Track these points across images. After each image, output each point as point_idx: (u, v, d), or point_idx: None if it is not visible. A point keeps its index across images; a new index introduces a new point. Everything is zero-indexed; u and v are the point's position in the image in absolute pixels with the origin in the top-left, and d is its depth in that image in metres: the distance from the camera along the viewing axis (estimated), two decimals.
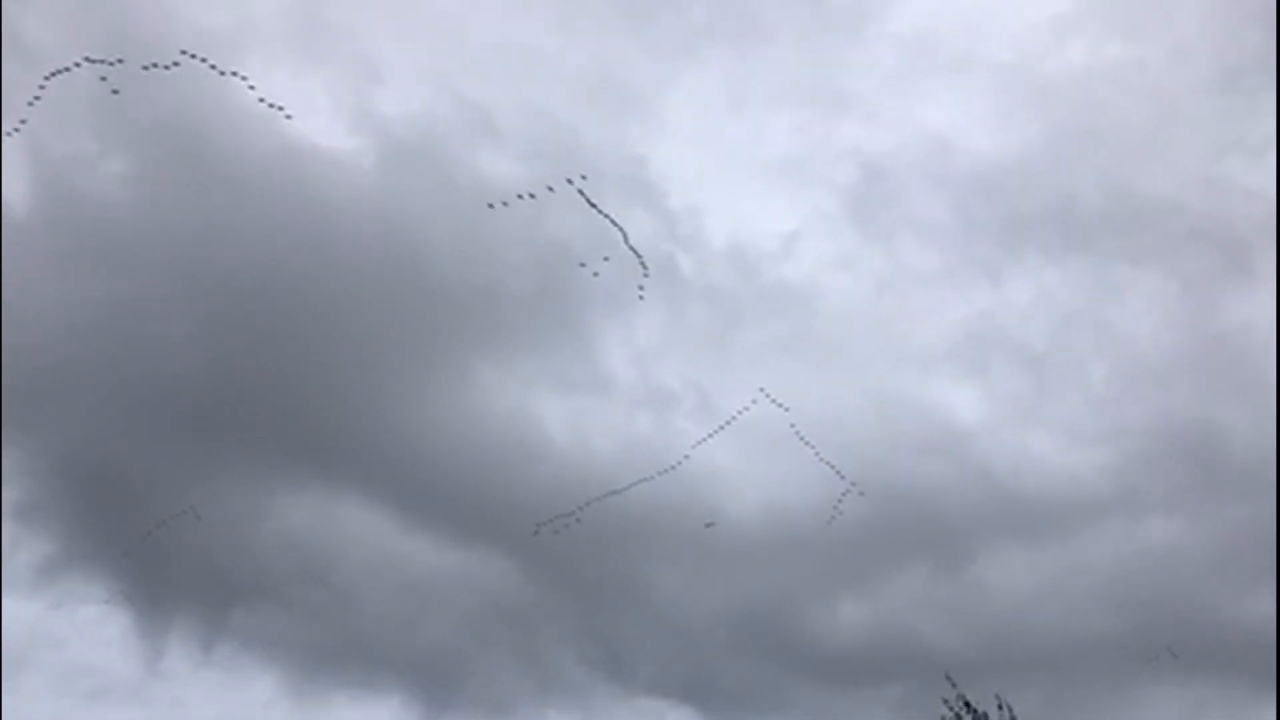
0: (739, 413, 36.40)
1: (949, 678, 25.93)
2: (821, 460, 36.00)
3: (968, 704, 25.81)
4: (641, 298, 32.02)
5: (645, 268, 31.47)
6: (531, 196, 29.98)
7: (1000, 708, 25.71)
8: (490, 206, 31.02)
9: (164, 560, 48.10)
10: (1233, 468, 50.34)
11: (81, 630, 51.12)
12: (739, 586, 53.18)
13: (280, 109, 31.15)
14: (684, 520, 53.99)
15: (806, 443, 36.20)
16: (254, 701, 48.08)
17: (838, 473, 35.64)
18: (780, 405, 35.82)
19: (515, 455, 52.93)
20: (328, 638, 50.04)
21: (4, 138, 37.92)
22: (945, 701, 25.98)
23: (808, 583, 53.66)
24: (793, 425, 36.50)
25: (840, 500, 36.36)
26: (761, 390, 35.75)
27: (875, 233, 66.82)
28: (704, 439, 37.05)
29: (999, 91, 68.72)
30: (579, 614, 52.71)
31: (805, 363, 64.54)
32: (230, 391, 48.62)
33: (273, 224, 50.89)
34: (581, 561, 52.08)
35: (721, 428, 36.72)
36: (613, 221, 29.60)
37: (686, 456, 37.17)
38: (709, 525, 39.84)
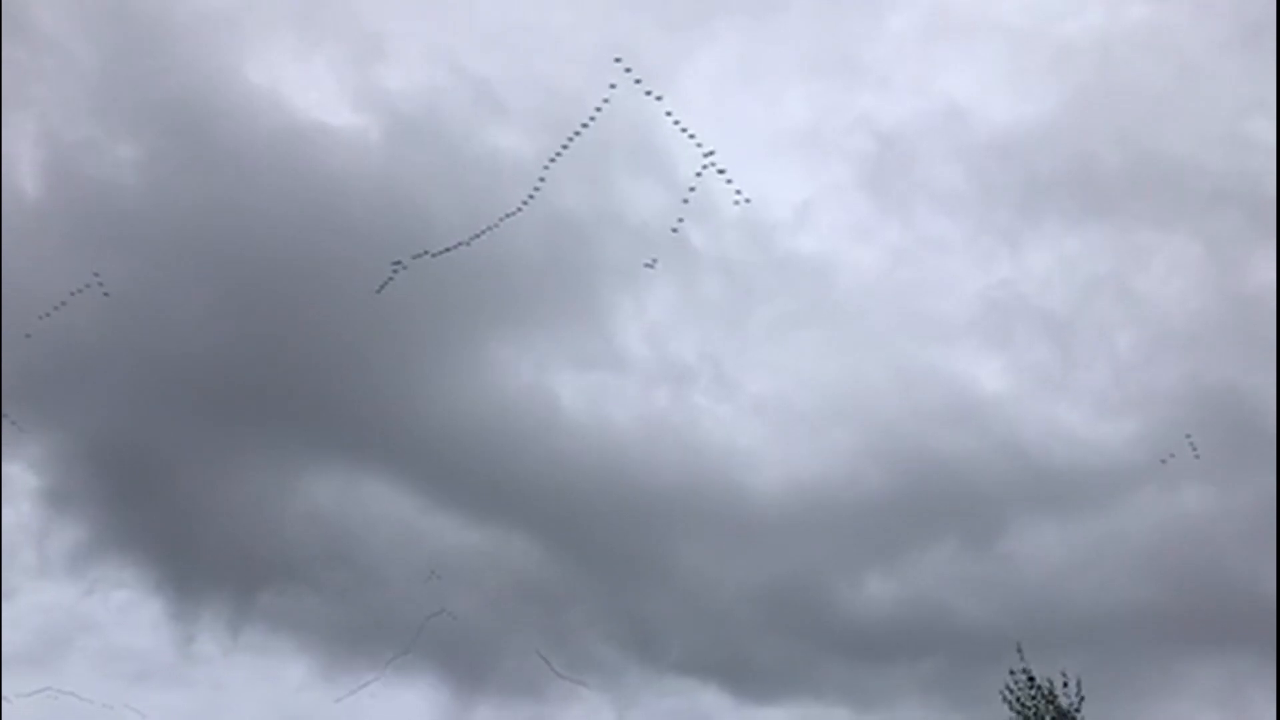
0: (599, 108, 33.80)
1: (1019, 649, 24.87)
2: (691, 141, 33.45)
3: (1031, 678, 24.76)
4: None
5: None
6: None
7: (1066, 684, 24.67)
8: None
9: (192, 544, 47.88)
10: (1269, 433, 49.09)
11: (115, 615, 51.35)
12: (766, 563, 52.29)
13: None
14: (708, 497, 53.17)
15: (676, 122, 33.84)
16: (288, 685, 47.81)
17: (700, 149, 33.18)
18: (648, 91, 33.29)
19: (533, 433, 52.17)
20: (356, 619, 49.60)
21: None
22: (1010, 672, 24.95)
23: (835, 558, 52.80)
24: (668, 113, 33.95)
25: (699, 175, 33.62)
26: (618, 62, 33.17)
27: (891, 202, 65.47)
28: (559, 152, 34.38)
29: (1015, 55, 67.26)
30: (606, 592, 52.01)
31: (823, 334, 63.42)
32: (249, 373, 48.41)
33: (282, 203, 50.19)
34: (607, 539, 51.29)
35: (580, 130, 33.92)
36: None
37: (537, 189, 34.75)
38: (649, 264, 37.19)
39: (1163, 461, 38.75)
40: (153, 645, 49.74)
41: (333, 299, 49.00)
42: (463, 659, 48.60)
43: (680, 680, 49.72)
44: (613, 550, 51.71)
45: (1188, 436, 37.18)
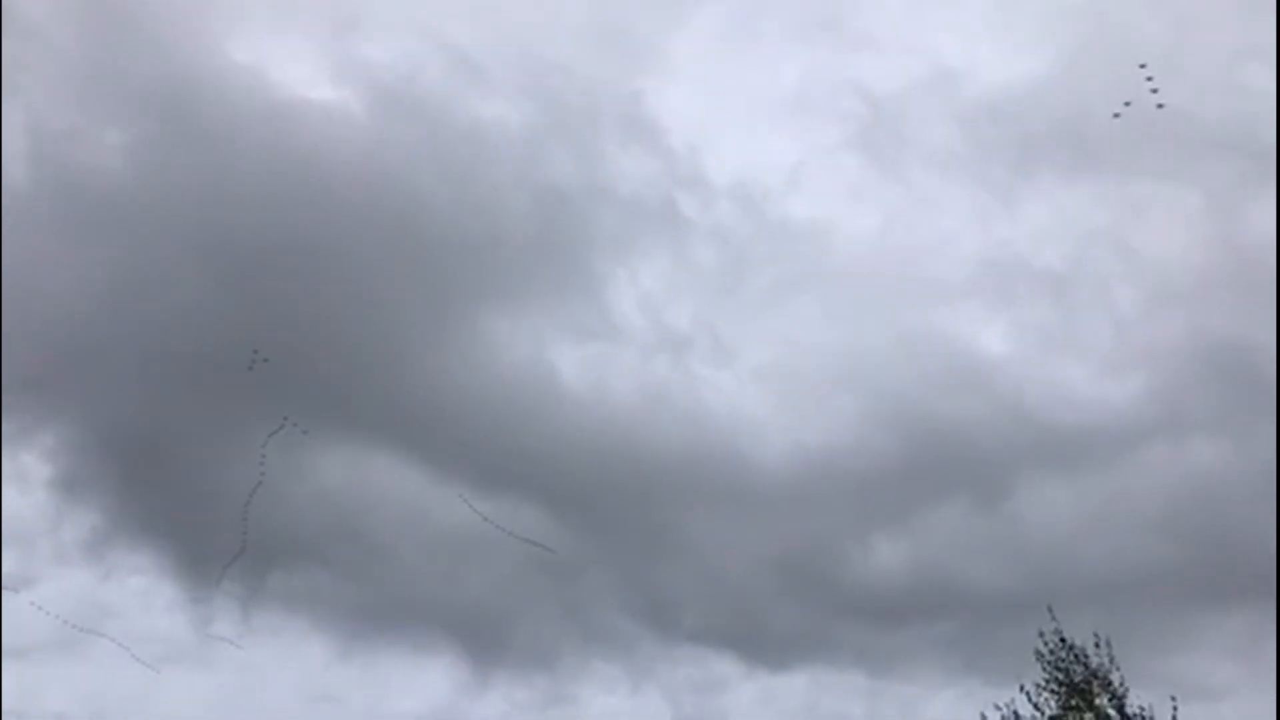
0: None
1: (1050, 610, 24.28)
2: None
3: (1063, 639, 24.22)
4: None
5: None
6: None
7: (1098, 645, 24.13)
8: None
9: (202, 526, 47.55)
10: (1274, 384, 48.56)
11: (134, 600, 51.96)
12: (776, 530, 51.93)
13: None
14: (715, 466, 52.66)
15: None
16: (309, 663, 47.53)
17: None
18: None
19: (534, 404, 51.70)
20: (370, 597, 49.42)
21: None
22: (1041, 635, 24.38)
23: (844, 523, 52.48)
24: None
25: None
26: None
27: (884, 164, 64.87)
28: None
29: (1004, 11, 66.39)
30: (619, 563, 51.70)
31: (821, 299, 62.88)
32: (248, 353, 47.40)
33: (270, 181, 49.58)
34: (617, 510, 50.82)
35: None
36: None
37: None
38: None
39: (1116, 115, 32.80)
40: (172, 628, 50.36)
41: (326, 277, 48.28)
42: (479, 633, 48.34)
43: (694, 649, 49.57)
44: (623, 521, 51.38)
45: (1142, 66, 31.45)
